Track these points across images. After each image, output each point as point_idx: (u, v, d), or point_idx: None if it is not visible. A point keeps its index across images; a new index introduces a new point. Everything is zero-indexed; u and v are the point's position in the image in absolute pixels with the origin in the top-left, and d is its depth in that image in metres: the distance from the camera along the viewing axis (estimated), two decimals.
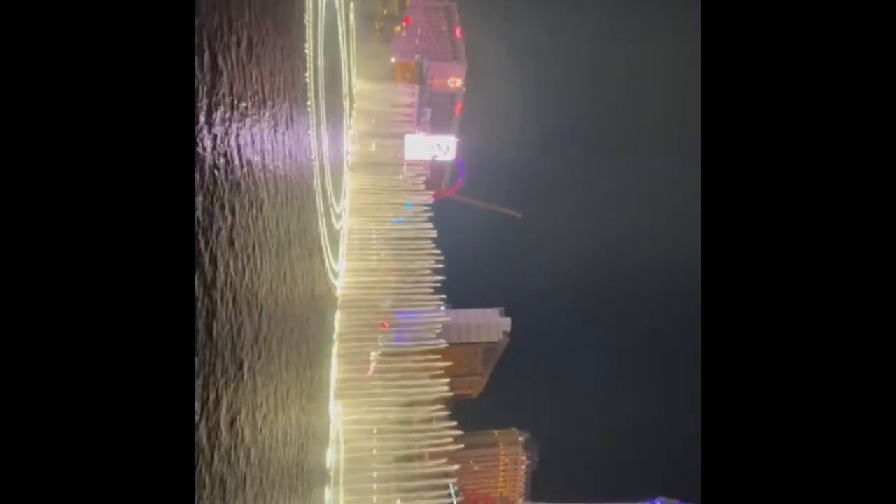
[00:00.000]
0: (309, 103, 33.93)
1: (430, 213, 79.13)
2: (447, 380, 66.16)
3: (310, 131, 34.76)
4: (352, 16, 73.18)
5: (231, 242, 14.97)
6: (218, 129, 13.33)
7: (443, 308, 75.36)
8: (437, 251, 72.75)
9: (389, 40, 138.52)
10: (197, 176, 11.73)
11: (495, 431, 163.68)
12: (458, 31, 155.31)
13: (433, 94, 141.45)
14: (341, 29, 60.58)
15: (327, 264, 45.53)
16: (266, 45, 19.92)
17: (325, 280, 45.33)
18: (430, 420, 64.44)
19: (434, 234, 74.97)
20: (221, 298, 14.09)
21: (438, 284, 71.07)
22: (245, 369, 16.92)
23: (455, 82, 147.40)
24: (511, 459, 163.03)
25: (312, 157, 36.04)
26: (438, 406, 65.19)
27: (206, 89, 12.39)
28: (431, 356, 66.57)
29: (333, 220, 50.23)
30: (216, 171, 13.26)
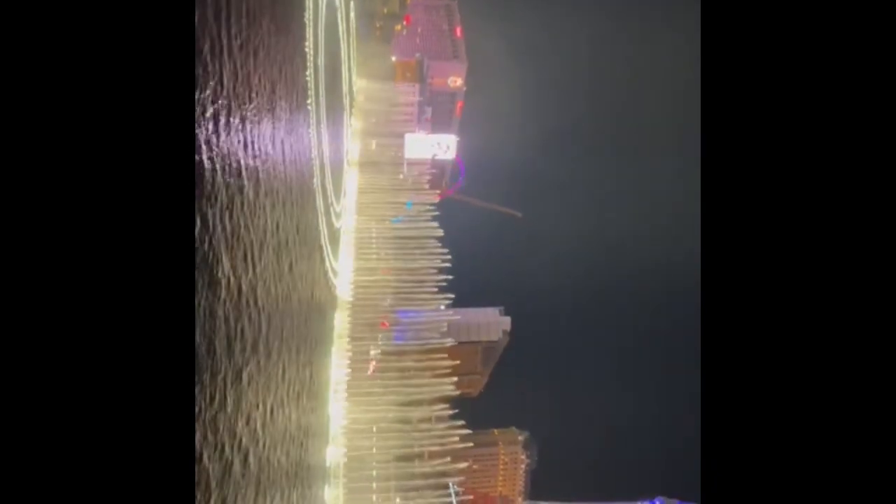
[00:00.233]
0: (309, 102, 33.91)
1: (437, 213, 79.04)
2: (454, 378, 66.17)
3: (310, 130, 34.74)
4: (352, 14, 73.16)
5: (231, 242, 14.96)
6: (217, 128, 13.32)
7: (442, 307, 75.32)
8: (444, 250, 72.70)
9: (390, 39, 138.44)
10: (196, 175, 11.72)
11: (495, 430, 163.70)
12: (458, 30, 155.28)
13: (433, 93, 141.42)
14: (342, 28, 60.56)
15: (327, 263, 45.52)
16: (266, 44, 19.90)
17: (326, 279, 45.33)
18: (430, 419, 64.44)
19: (440, 233, 74.88)
20: (221, 298, 14.09)
21: (444, 284, 71.04)
22: (244, 368, 16.93)
23: (455, 81, 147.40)
24: (510, 458, 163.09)
25: (312, 156, 36.03)
26: (441, 405, 65.22)
27: (205, 88, 12.38)
28: (433, 355, 66.61)
29: (333, 218, 50.23)
30: (215, 171, 13.25)
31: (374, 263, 68.61)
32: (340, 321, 56.04)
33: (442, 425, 64.14)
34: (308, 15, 34.15)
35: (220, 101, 13.47)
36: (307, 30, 33.62)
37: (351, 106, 77.50)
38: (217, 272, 13.66)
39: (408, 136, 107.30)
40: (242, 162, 15.99)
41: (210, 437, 13.34)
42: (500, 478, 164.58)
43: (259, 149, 18.59)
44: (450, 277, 73.21)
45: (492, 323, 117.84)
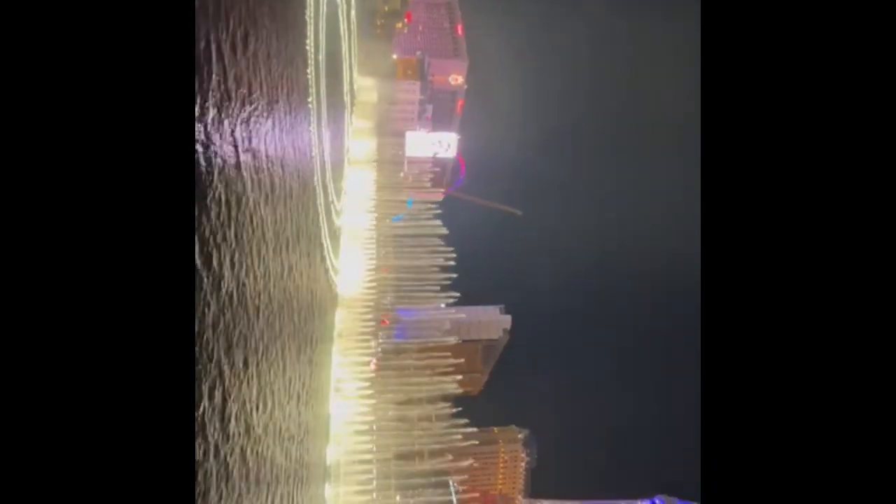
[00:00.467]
0: (310, 100, 33.88)
1: (439, 211, 78.98)
2: (458, 377, 66.16)
3: (310, 128, 34.72)
4: (353, 12, 73.05)
5: (231, 240, 14.96)
6: (217, 127, 13.31)
7: (443, 305, 75.35)
8: (449, 248, 72.67)
9: (391, 37, 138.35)
10: (196, 174, 11.72)
11: (495, 428, 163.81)
12: (459, 28, 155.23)
13: (434, 91, 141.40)
14: (343, 25, 60.48)
15: (328, 261, 45.51)
16: (267, 42, 19.88)
17: (326, 277, 45.33)
18: (431, 417, 64.50)
19: (444, 231, 74.84)
20: (221, 296, 14.09)
21: (448, 282, 71.04)
22: (245, 366, 16.93)
23: (456, 79, 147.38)
24: (510, 456, 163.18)
25: (313, 154, 36.01)
26: (442, 403, 65.27)
27: (205, 87, 12.37)
28: (434, 354, 66.65)
29: (334, 216, 50.22)
30: (215, 169, 13.25)
31: (378, 261, 68.63)
32: (341, 319, 56.05)
33: (443, 424, 64.20)
34: (309, 13, 34.12)
35: (219, 100, 13.46)
36: (308, 28, 33.58)
37: (352, 104, 77.43)
38: (217, 270, 13.66)
39: (409, 135, 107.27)
40: (242, 160, 15.98)
41: (210, 435, 13.34)
42: (500, 476, 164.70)
43: (259, 147, 18.58)
44: (453, 276, 73.26)
45: (492, 321, 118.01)
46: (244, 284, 16.66)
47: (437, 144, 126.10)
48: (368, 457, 57.25)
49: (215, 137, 13.14)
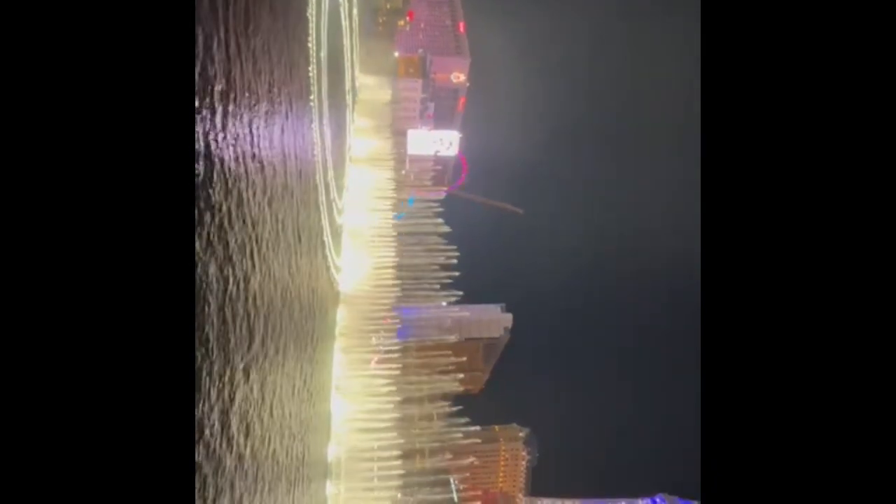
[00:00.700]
0: (311, 98, 33.88)
1: (440, 209, 79.01)
2: (460, 375, 66.17)
3: (312, 126, 34.71)
4: (355, 10, 73.01)
5: (231, 237, 14.96)
6: (217, 124, 13.30)
7: (444, 304, 75.38)
8: (452, 247, 72.70)
9: (393, 34, 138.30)
10: (196, 172, 11.72)
11: (496, 427, 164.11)
12: (461, 26, 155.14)
13: (436, 89, 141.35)
14: (344, 23, 60.46)
15: (329, 259, 45.53)
16: (268, 40, 19.87)
17: (328, 275, 45.35)
18: (432, 416, 64.59)
19: (446, 229, 74.88)
20: (222, 294, 14.09)
21: (449, 280, 71.06)
22: (246, 365, 16.95)
23: (458, 77, 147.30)
24: (511, 455, 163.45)
25: (315, 152, 36.01)
26: (443, 402, 65.36)
27: (205, 84, 12.36)
28: (434, 352, 66.72)
29: (336, 214, 50.23)
30: (216, 167, 13.24)
31: (379, 260, 68.63)
32: (342, 317, 56.08)
33: (443, 422, 64.30)
34: (311, 10, 34.11)
35: (220, 97, 13.46)
36: (310, 25, 33.57)
37: (354, 102, 77.42)
38: (218, 268, 13.66)
39: (410, 132, 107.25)
40: (243, 158, 15.98)
41: (211, 433, 13.36)
42: (501, 474, 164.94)
43: (260, 145, 18.58)
44: (454, 274, 73.28)
45: (493, 320, 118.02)
46: (244, 282, 16.67)
47: (438, 142, 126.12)
48: (370, 455, 57.34)
49: (215, 135, 13.13)
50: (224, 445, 14.47)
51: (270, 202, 20.81)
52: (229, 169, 14.36)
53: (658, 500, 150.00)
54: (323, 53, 38.93)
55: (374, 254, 68.80)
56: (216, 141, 13.16)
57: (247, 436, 17.11)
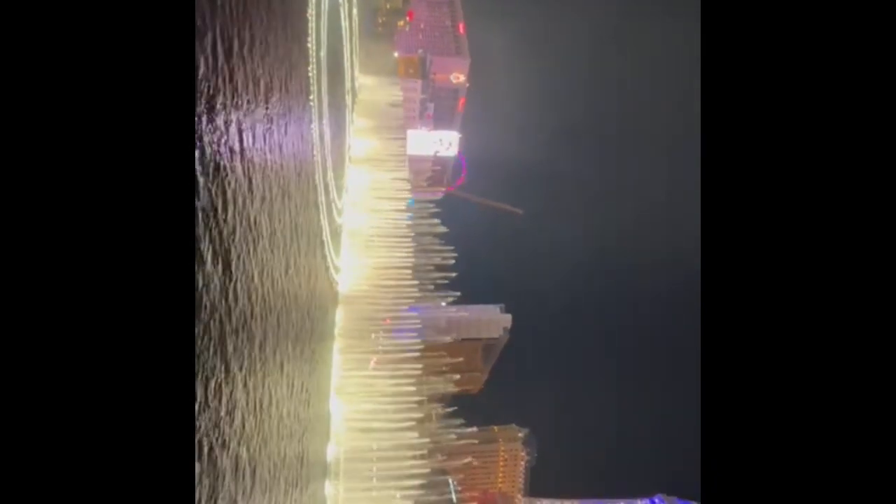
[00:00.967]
0: (311, 98, 33.88)
1: (437, 210, 79.09)
2: (456, 376, 66.08)
3: (312, 126, 34.71)
4: (355, 10, 72.99)
5: (231, 237, 14.96)
6: (217, 124, 13.30)
7: (444, 304, 75.35)
8: (449, 247, 72.77)
9: (393, 35, 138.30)
10: (196, 171, 11.71)
11: (495, 427, 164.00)
12: (461, 26, 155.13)
13: (436, 89, 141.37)
14: (344, 23, 60.45)
15: (329, 259, 45.52)
16: (268, 40, 19.88)
17: (327, 275, 45.35)
18: (431, 416, 64.55)
19: (443, 229, 74.92)
20: (221, 294, 14.09)
21: (446, 281, 71.05)
22: (245, 365, 16.94)
23: (458, 77, 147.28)
24: (510, 455, 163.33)
25: (314, 152, 36.02)
26: (442, 402, 65.33)
27: (205, 84, 12.36)
28: (433, 352, 66.68)
29: (335, 215, 50.22)
30: (216, 168, 13.24)
31: (377, 260, 68.57)
32: (341, 317, 56.07)
33: (443, 422, 64.26)
34: (311, 11, 34.11)
35: (220, 97, 13.46)
36: (309, 25, 33.57)
37: (353, 102, 77.40)
38: (218, 268, 13.66)
39: (410, 133, 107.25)
40: (243, 158, 15.98)
41: (210, 433, 13.36)
42: (500, 474, 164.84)
43: (260, 145, 18.58)
44: (452, 274, 73.31)
45: (493, 320, 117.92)
46: (244, 283, 16.67)
47: (438, 143, 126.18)
48: (368, 455, 57.30)
49: (215, 135, 13.13)
50: (223, 446, 14.46)
51: (270, 202, 20.80)
52: (228, 169, 14.36)
53: (657, 500, 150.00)
54: (322, 53, 38.93)
55: (374, 254, 68.74)
56: (216, 141, 13.16)
57: (246, 436, 17.10)
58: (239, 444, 16.17)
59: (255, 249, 18.11)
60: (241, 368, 16.30)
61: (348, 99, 68.64)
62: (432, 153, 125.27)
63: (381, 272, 67.27)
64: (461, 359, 70.97)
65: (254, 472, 18.37)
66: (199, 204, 11.99)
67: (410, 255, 71.12)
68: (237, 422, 15.91)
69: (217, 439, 13.88)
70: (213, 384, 13.43)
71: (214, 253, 13.33)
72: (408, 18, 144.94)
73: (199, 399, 12.35)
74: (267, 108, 19.77)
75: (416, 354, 65.03)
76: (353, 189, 70.57)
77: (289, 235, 25.85)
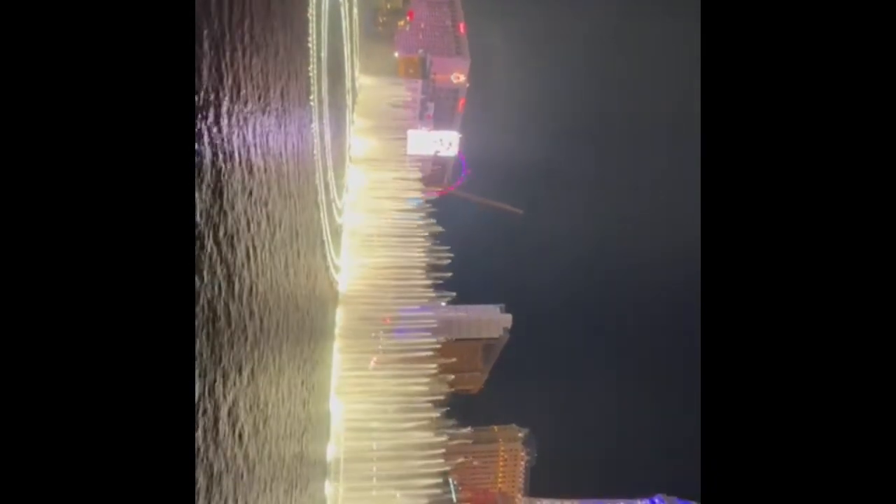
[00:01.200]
0: (311, 98, 33.88)
1: (434, 209, 79.18)
2: (451, 377, 66.03)
3: (312, 126, 34.71)
4: (355, 10, 72.97)
5: (231, 237, 14.96)
6: (218, 124, 13.30)
7: (443, 304, 75.31)
8: (445, 247, 72.85)
9: (393, 35, 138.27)
10: (196, 171, 11.71)
11: (495, 427, 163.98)
12: (461, 26, 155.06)
13: (436, 89, 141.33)
14: (345, 23, 60.45)
15: (329, 259, 45.53)
16: (268, 40, 19.87)
17: (327, 275, 45.35)
18: (431, 415, 64.53)
19: (439, 229, 74.98)
20: (221, 294, 14.09)
21: (441, 282, 71.07)
22: (245, 364, 16.94)
23: (458, 77, 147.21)
24: (510, 455, 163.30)
25: (314, 152, 36.01)
26: (441, 402, 65.26)
27: (206, 84, 12.35)
28: (433, 353, 66.67)
29: (336, 214, 50.22)
30: (216, 166, 13.24)
31: (376, 260, 68.56)
32: (342, 317, 56.08)
33: (442, 422, 64.21)
34: (311, 10, 34.11)
35: (220, 97, 13.46)
36: (310, 25, 33.57)
37: (353, 102, 77.40)
38: (217, 268, 13.66)
39: (410, 133, 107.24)
40: (243, 157, 15.98)
41: (210, 434, 13.35)
42: (500, 474, 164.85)
43: (260, 144, 18.57)
44: (449, 275, 73.35)
45: (493, 320, 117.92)
46: (245, 282, 16.66)
47: (438, 143, 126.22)
48: (368, 454, 57.31)
49: (215, 135, 13.13)
50: (223, 446, 14.46)
51: (270, 202, 20.80)
52: (229, 169, 14.35)
53: (657, 500, 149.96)
54: (323, 53, 38.93)
55: (372, 254, 68.72)
56: (215, 141, 13.16)
57: (245, 436, 17.10)
58: (238, 444, 16.16)
59: (254, 249, 18.10)
60: (240, 368, 16.29)
61: (348, 99, 68.65)
62: (432, 153, 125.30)
63: (381, 272, 67.28)
64: (453, 359, 70.97)
65: (254, 472, 18.37)
66: (198, 204, 11.98)
67: (412, 254, 71.14)
68: (236, 422, 15.90)
69: (216, 440, 13.88)
70: (212, 384, 13.43)
71: (214, 253, 13.32)
72: (408, 18, 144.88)
73: (198, 399, 12.34)
74: (267, 108, 19.76)
75: (424, 354, 64.97)
76: (354, 188, 70.59)
77: (289, 235, 25.84)
